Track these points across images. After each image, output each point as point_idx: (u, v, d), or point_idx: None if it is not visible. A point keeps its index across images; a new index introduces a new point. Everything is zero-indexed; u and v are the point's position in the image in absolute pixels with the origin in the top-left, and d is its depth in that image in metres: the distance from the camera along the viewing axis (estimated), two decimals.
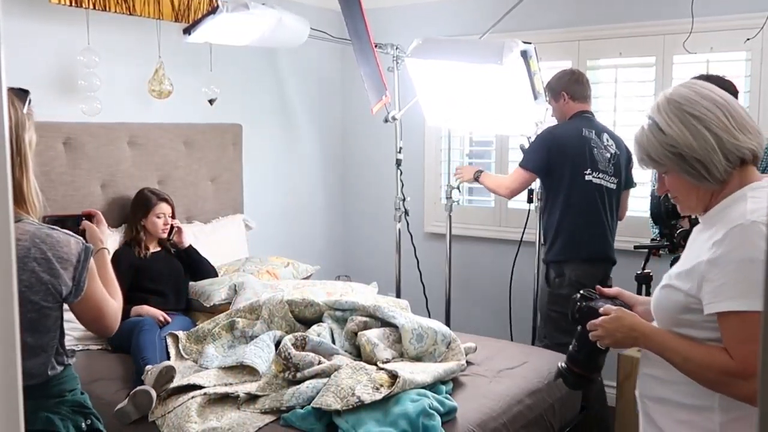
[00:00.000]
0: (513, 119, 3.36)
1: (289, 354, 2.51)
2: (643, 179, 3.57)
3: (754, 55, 3.45)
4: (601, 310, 1.58)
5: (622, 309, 1.58)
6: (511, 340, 3.78)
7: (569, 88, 3.34)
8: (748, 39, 3.35)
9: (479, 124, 3.82)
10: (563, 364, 1.70)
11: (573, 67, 3.68)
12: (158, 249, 3.36)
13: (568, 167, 3.23)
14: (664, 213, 2.70)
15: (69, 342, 2.99)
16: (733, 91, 2.59)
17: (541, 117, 3.31)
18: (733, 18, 3.46)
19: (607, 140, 3.31)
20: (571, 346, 1.69)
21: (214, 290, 3.28)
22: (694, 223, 1.94)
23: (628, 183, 3.42)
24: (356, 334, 2.76)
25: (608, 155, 3.28)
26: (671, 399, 1.51)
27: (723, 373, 1.37)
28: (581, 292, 1.67)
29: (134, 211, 3.32)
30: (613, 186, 3.31)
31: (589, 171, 3.24)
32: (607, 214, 3.27)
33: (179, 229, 3.38)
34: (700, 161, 1.42)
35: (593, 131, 3.29)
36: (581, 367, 1.67)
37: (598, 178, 3.25)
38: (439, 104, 3.52)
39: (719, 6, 3.48)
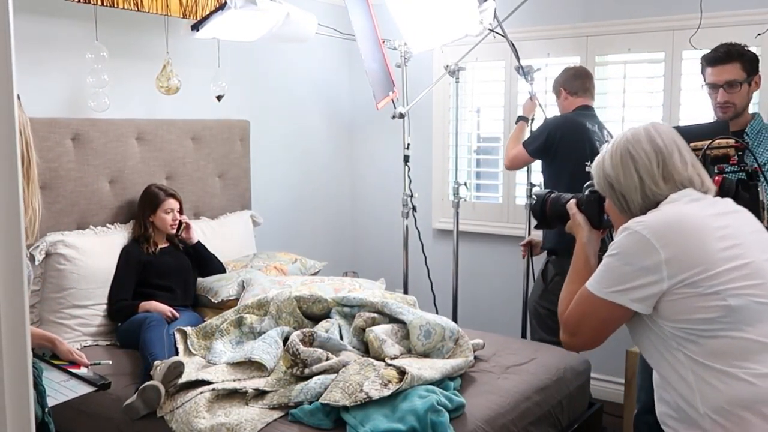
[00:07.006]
0: (457, 20, 3.32)
1: (297, 350, 2.51)
2: None
3: (764, 51, 3.41)
4: (567, 204, 1.94)
5: (580, 221, 1.88)
6: (523, 336, 3.77)
7: (567, 83, 3.39)
8: (758, 34, 3.32)
9: (438, 37, 3.73)
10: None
11: (581, 62, 3.66)
12: (166, 245, 3.36)
13: (571, 157, 3.24)
14: None
15: (79, 338, 3.01)
16: None
17: (489, 18, 3.28)
18: (743, 13, 3.43)
19: (608, 136, 3.33)
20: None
21: (222, 286, 3.28)
22: None
23: None
24: (364, 330, 2.76)
25: None
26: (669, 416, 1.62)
27: (560, 314, 1.73)
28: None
29: (142, 207, 3.33)
30: None
31: (589, 162, 3.24)
32: None
33: (187, 225, 3.38)
34: (623, 195, 1.66)
35: (596, 125, 3.33)
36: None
37: None
38: (416, 30, 3.48)
39: (729, 1, 3.46)
